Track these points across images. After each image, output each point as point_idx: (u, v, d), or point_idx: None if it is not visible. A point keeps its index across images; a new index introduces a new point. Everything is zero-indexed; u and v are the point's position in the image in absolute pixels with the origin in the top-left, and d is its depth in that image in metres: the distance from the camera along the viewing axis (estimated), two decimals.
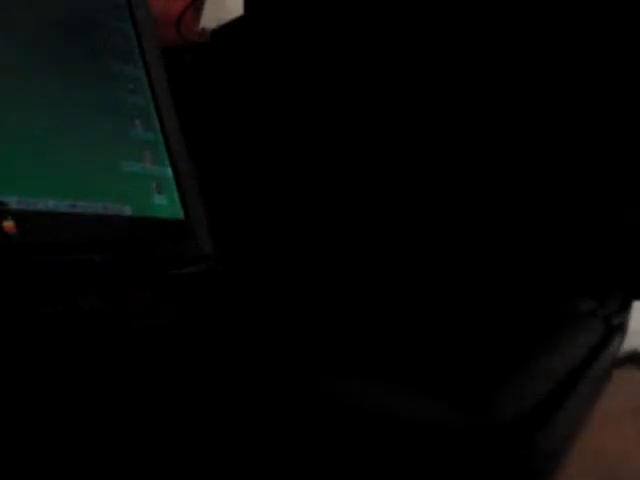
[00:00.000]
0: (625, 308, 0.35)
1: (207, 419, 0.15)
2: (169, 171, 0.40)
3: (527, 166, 0.45)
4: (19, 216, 0.30)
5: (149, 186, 0.38)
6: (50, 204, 0.32)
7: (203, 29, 0.64)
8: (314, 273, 0.47)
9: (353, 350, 0.18)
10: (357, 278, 0.43)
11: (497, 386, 0.15)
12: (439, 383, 0.15)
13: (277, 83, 0.54)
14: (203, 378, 0.16)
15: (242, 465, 0.15)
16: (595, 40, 0.42)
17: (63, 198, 0.32)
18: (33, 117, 0.32)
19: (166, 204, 0.39)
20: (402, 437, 0.13)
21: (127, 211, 0.36)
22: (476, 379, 0.16)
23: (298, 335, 0.21)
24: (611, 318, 0.31)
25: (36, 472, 0.16)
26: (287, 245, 0.53)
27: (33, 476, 0.16)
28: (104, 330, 0.20)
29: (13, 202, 0.30)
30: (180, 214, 0.40)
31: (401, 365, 0.17)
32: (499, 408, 0.14)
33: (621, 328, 0.32)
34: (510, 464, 0.13)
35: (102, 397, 0.16)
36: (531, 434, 0.14)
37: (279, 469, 0.14)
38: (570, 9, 0.43)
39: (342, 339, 0.20)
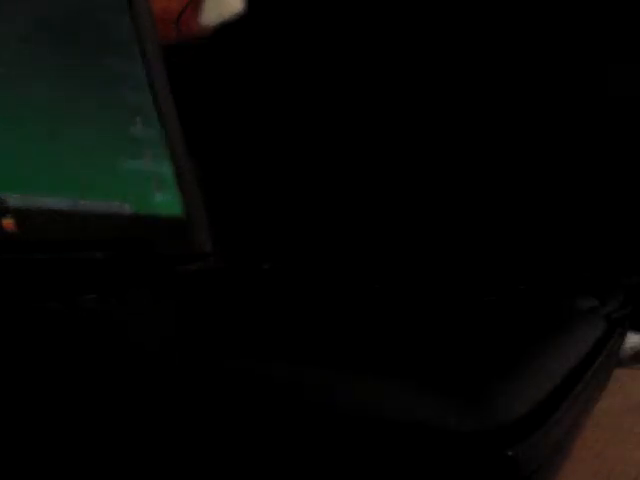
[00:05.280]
0: (627, 306, 0.35)
1: (206, 418, 0.15)
2: (169, 169, 0.40)
3: (527, 165, 0.45)
4: (19, 214, 0.30)
5: (149, 184, 0.38)
6: (50, 202, 0.32)
7: (203, 26, 0.63)
8: (314, 270, 0.47)
9: (349, 347, 0.18)
10: (357, 275, 0.43)
11: (496, 385, 0.15)
12: (436, 382, 0.15)
13: (278, 81, 0.53)
14: (202, 377, 0.16)
15: (246, 465, 0.15)
16: (593, 40, 0.42)
17: (63, 196, 0.32)
18: (33, 115, 0.32)
19: (166, 202, 0.39)
20: (396, 438, 0.13)
21: (127, 209, 0.36)
22: (474, 378, 0.16)
23: (294, 331, 0.21)
24: (612, 316, 0.31)
25: (36, 472, 0.16)
26: (287, 243, 0.53)
27: (33, 476, 0.16)
28: (104, 328, 0.20)
29: (13, 199, 0.30)
30: (180, 212, 0.40)
31: (397, 364, 0.17)
32: (498, 407, 0.14)
33: (623, 326, 0.32)
34: (509, 464, 0.13)
35: (102, 396, 0.16)
36: (531, 433, 0.14)
37: (268, 471, 0.14)
38: (569, 10, 0.42)
39: (338, 335, 0.20)
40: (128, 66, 0.39)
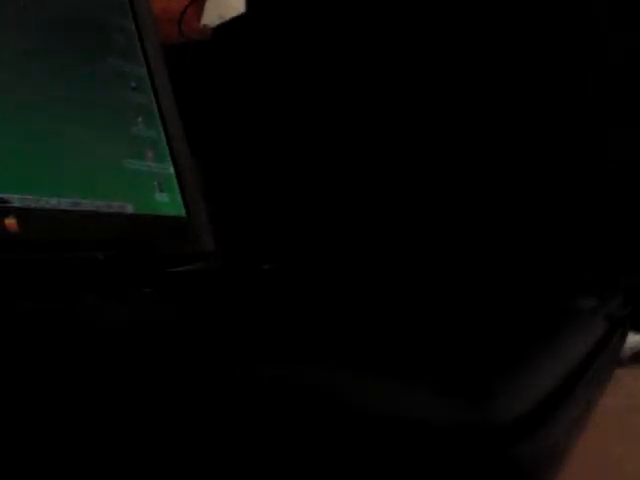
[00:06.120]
0: (627, 306, 0.35)
1: (207, 418, 0.15)
2: (171, 169, 0.40)
3: (528, 164, 0.45)
4: (21, 214, 0.30)
5: (151, 184, 0.38)
6: (52, 202, 0.32)
7: (205, 26, 0.64)
8: (314, 270, 0.47)
9: (349, 346, 0.18)
10: (358, 274, 0.43)
11: (496, 384, 0.15)
12: (436, 381, 0.15)
13: (279, 80, 0.53)
14: (204, 377, 0.16)
15: (246, 464, 0.15)
16: (594, 41, 0.42)
17: (65, 196, 0.32)
18: (35, 115, 0.32)
19: (168, 202, 0.39)
20: (396, 437, 0.13)
21: (129, 209, 0.36)
22: (474, 377, 0.16)
23: (294, 330, 0.21)
24: (613, 316, 0.31)
25: (36, 472, 0.16)
26: (288, 243, 0.53)
27: (33, 476, 0.16)
28: (106, 328, 0.20)
29: (15, 200, 0.30)
30: (182, 212, 0.40)
31: (397, 362, 0.17)
32: (498, 407, 0.14)
33: (623, 326, 0.32)
34: (510, 464, 0.13)
35: (103, 396, 0.16)
36: (531, 434, 0.14)
37: (268, 469, 0.14)
38: (569, 11, 0.42)
39: (338, 334, 0.20)
40: (130, 66, 0.40)
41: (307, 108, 0.52)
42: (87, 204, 0.33)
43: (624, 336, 0.33)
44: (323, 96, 0.51)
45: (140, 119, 0.39)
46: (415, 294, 0.32)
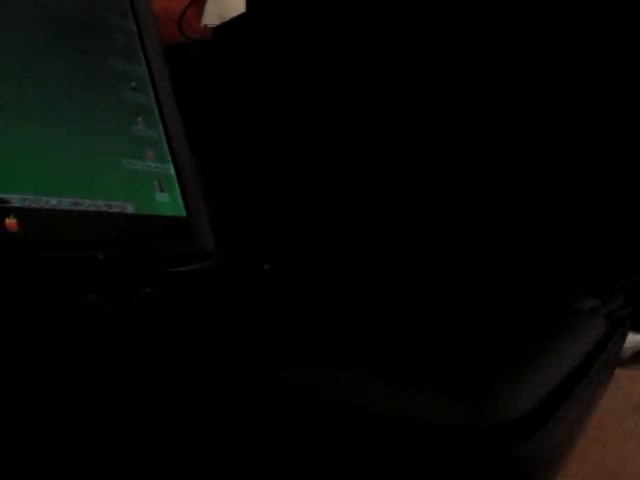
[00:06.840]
0: (628, 305, 0.35)
1: (207, 419, 0.15)
2: (171, 169, 0.40)
3: (528, 164, 0.45)
4: (21, 214, 0.30)
5: (151, 184, 0.38)
6: (52, 202, 0.32)
7: (205, 26, 0.64)
8: (315, 271, 0.47)
9: (351, 346, 0.18)
10: (358, 275, 0.43)
11: (499, 384, 0.15)
12: (439, 382, 0.15)
13: (279, 80, 0.54)
14: (204, 377, 0.16)
15: (244, 465, 0.15)
16: (593, 41, 0.42)
17: (65, 196, 0.32)
18: (35, 115, 0.32)
19: (168, 202, 0.39)
20: (399, 437, 0.13)
21: (129, 209, 0.36)
22: (475, 377, 0.16)
23: (294, 330, 0.21)
24: (614, 316, 0.31)
25: (36, 472, 0.16)
26: (288, 242, 0.53)
27: (33, 476, 0.16)
28: (106, 328, 0.20)
29: (15, 200, 0.30)
30: (182, 212, 0.40)
31: (400, 363, 0.17)
32: (500, 407, 0.14)
33: (623, 326, 0.32)
34: (510, 464, 0.13)
35: (103, 396, 0.16)
36: (532, 433, 0.14)
37: (271, 470, 0.14)
38: (569, 10, 0.42)
39: (339, 335, 0.20)
40: (130, 66, 0.40)
41: (307, 108, 0.52)
42: (87, 204, 0.33)
43: (624, 336, 0.32)
44: (323, 96, 0.51)
45: (140, 119, 0.39)
46: (415, 295, 0.32)
